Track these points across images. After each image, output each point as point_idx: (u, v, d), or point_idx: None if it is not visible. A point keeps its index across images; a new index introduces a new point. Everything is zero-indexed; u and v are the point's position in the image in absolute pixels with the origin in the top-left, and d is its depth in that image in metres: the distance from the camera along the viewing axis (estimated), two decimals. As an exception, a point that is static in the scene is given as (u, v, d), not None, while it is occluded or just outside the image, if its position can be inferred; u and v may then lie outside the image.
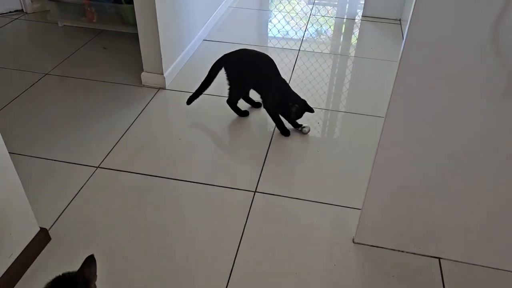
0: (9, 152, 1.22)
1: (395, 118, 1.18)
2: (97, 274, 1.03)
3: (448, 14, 0.99)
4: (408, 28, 1.02)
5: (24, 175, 1.35)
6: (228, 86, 2.03)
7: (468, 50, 1.03)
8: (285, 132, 1.98)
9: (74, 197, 1.62)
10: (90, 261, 1.00)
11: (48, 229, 1.46)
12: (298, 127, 2.01)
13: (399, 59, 1.09)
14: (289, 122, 2.01)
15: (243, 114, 2.10)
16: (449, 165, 1.23)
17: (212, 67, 2.02)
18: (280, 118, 1.99)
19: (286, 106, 1.94)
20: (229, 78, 2.01)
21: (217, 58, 2.01)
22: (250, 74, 1.98)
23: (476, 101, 1.10)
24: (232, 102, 2.07)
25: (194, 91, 2.06)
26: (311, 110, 1.96)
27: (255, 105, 2.16)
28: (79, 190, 1.65)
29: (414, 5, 0.99)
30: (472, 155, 1.20)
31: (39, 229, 1.41)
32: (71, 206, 1.59)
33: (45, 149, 1.84)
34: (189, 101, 2.08)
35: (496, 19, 0.97)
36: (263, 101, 2.03)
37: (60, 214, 1.55)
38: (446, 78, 1.08)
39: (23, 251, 1.33)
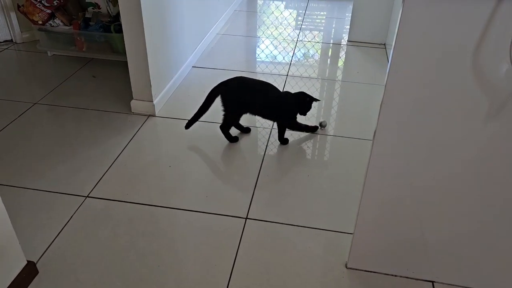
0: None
1: (383, 142, 1.19)
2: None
3: (431, 40, 1.02)
4: (393, 53, 1.05)
5: (11, 207, 1.33)
6: (223, 113, 2.05)
7: (451, 75, 1.06)
8: (313, 129, 2.19)
9: (63, 228, 1.60)
10: None
11: (35, 262, 1.43)
12: (314, 129, 2.19)
13: (385, 83, 1.11)
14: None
15: (234, 140, 2.11)
16: (439, 187, 1.24)
17: (210, 93, 2.04)
18: (300, 124, 2.13)
19: (303, 108, 2.07)
20: (225, 104, 2.04)
21: (214, 85, 2.04)
22: (250, 100, 2.03)
23: (461, 124, 1.12)
24: (226, 128, 2.09)
25: (186, 117, 2.07)
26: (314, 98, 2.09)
27: (245, 130, 2.18)
28: (68, 221, 1.63)
29: (398, 30, 1.02)
30: (461, 178, 1.21)
31: (26, 262, 1.38)
32: (60, 237, 1.56)
33: (33, 180, 1.82)
34: (188, 126, 2.10)
35: (476, 47, 1.00)
36: (278, 122, 2.10)
37: (48, 246, 1.52)
38: (431, 101, 1.10)
39: (9, 286, 1.30)
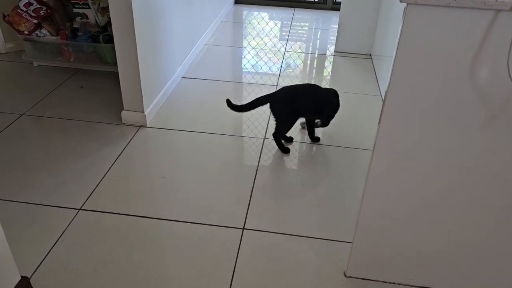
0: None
1: (382, 152, 1.21)
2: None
3: (431, 51, 1.04)
4: (393, 64, 1.07)
5: (2, 221, 1.30)
6: (276, 123, 2.10)
7: (450, 85, 1.08)
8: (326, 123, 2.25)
9: (56, 241, 1.56)
10: None
11: (29, 277, 1.39)
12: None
13: (384, 94, 1.14)
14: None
15: (286, 150, 2.14)
16: (438, 197, 1.26)
17: (257, 100, 2.08)
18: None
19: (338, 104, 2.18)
20: (276, 114, 2.09)
21: (264, 95, 2.09)
22: (301, 104, 2.09)
23: (459, 133, 1.15)
24: (279, 136, 2.13)
25: (177, 128, 2.06)
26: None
27: (288, 139, 2.23)
28: (61, 234, 1.59)
29: (398, 42, 1.04)
30: (459, 187, 1.24)
31: (20, 278, 1.33)
32: (53, 251, 1.52)
33: (24, 193, 1.78)
34: (230, 105, 2.12)
35: (474, 57, 1.04)
36: (322, 121, 2.21)
37: (42, 260, 1.48)
38: (430, 111, 1.13)
39: (3, 303, 1.26)
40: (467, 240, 1.33)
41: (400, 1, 0.96)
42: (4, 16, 2.67)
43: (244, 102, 2.09)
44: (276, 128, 2.12)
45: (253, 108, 2.10)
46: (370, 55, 3.31)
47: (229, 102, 2.10)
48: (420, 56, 1.05)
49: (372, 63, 3.17)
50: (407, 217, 1.32)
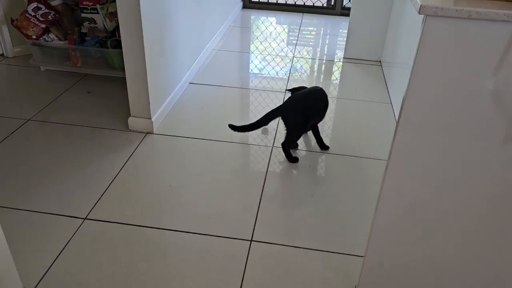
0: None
1: (398, 163, 1.17)
2: None
3: (450, 62, 1.01)
4: (411, 75, 1.04)
5: (5, 229, 1.27)
6: (287, 132, 2.07)
7: (469, 98, 1.05)
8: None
9: (61, 252, 1.53)
10: None
11: (33, 289, 1.36)
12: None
13: (400, 106, 1.10)
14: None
15: (294, 160, 2.09)
16: (454, 212, 1.22)
17: (268, 114, 2.05)
18: None
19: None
20: (288, 123, 2.06)
21: (273, 108, 2.06)
22: (312, 109, 2.08)
23: (477, 147, 1.11)
24: (287, 146, 2.09)
25: (184, 134, 2.02)
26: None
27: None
28: (66, 244, 1.56)
29: (417, 52, 1.00)
30: (475, 203, 1.19)
31: (23, 290, 1.31)
32: (58, 262, 1.49)
33: (28, 200, 1.76)
34: (233, 128, 2.10)
35: (495, 70, 1.00)
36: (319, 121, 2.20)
37: (46, 271, 1.45)
38: (448, 124, 1.09)
39: (6, 316, 1.23)
40: (484, 257, 1.29)
41: (419, 13, 0.92)
42: (12, 21, 2.66)
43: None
44: (286, 138, 2.08)
45: (266, 124, 2.07)
46: (380, 61, 3.26)
47: (232, 126, 2.09)
48: (439, 67, 1.02)
49: (382, 70, 3.13)
50: (421, 231, 1.28)
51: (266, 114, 2.05)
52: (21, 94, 2.64)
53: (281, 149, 2.11)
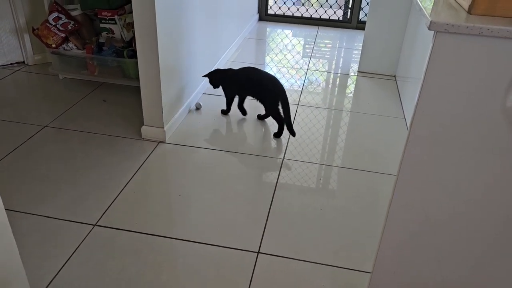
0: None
1: (407, 178, 1.16)
2: None
3: (460, 78, 1.00)
4: (420, 90, 1.03)
5: (16, 234, 1.29)
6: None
7: (479, 114, 1.03)
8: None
9: (70, 257, 1.55)
10: None
11: (41, 294, 1.38)
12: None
13: (411, 119, 1.09)
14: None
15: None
16: (464, 228, 1.20)
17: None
18: None
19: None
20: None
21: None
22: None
23: (488, 164, 1.09)
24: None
25: (196, 144, 2.04)
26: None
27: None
28: (75, 250, 1.58)
29: (427, 67, 1.00)
30: (486, 219, 1.17)
31: (31, 294, 1.32)
32: (66, 267, 1.51)
33: (40, 205, 1.79)
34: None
35: (506, 89, 0.98)
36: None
37: (54, 276, 1.47)
38: (458, 139, 1.08)
39: (13, 320, 1.24)
40: (495, 273, 1.26)
41: (429, 29, 0.92)
42: (33, 30, 2.74)
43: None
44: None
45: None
46: (395, 76, 3.25)
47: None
48: (448, 83, 1.01)
49: (396, 85, 3.11)
50: (431, 250, 1.26)
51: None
52: (39, 101, 2.70)
53: (292, 162, 2.11)
